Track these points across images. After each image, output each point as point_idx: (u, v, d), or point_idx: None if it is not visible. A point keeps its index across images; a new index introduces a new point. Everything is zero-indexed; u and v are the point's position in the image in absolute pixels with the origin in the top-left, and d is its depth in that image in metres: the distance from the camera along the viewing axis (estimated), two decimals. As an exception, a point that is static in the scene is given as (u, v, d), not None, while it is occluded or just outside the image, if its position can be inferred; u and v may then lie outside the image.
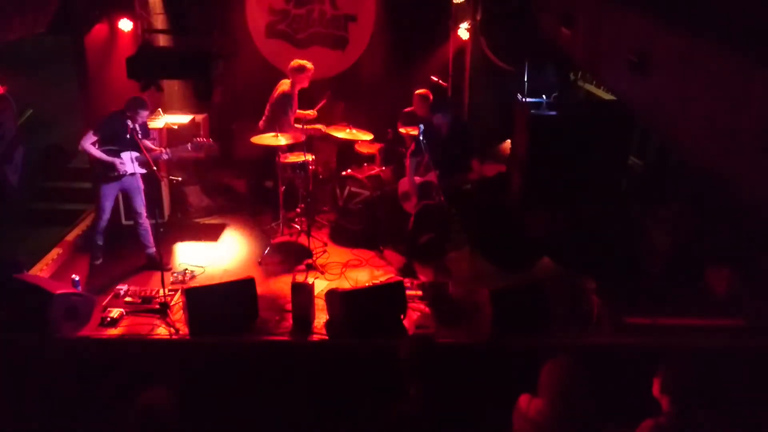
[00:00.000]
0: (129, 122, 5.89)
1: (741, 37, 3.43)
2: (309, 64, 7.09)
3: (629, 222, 6.51)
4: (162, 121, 7.15)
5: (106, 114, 6.04)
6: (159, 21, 8.03)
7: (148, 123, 6.54)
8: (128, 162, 6.00)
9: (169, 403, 3.08)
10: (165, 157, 6.26)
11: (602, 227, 6.38)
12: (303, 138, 6.94)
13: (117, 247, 6.47)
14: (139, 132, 5.97)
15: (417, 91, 7.47)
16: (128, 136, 5.89)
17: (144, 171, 6.11)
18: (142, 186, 6.19)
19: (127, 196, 6.26)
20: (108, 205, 6.11)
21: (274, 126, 6.77)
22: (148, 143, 6.17)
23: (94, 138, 5.89)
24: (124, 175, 6.03)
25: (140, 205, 6.20)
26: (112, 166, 5.94)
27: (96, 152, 5.90)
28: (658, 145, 7.31)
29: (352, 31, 8.72)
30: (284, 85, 7.18)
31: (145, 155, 5.80)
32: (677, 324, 5.31)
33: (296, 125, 7.07)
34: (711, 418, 3.19)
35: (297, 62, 7.09)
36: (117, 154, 5.97)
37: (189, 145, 6.29)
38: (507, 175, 7.45)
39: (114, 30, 7.18)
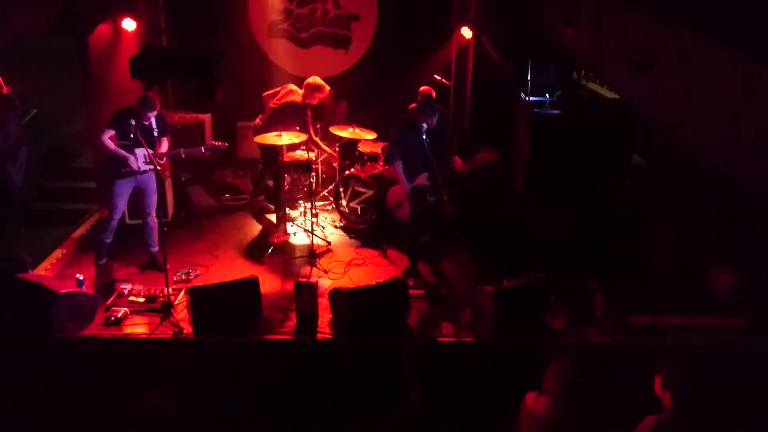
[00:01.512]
0: (142, 120, 5.87)
1: (743, 36, 3.43)
2: (327, 87, 7.00)
3: (632, 221, 6.51)
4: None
5: (119, 108, 6.00)
6: (163, 21, 8.05)
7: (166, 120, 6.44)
8: (141, 158, 5.94)
9: (168, 404, 3.08)
10: (182, 156, 6.20)
11: (605, 226, 6.38)
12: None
13: (121, 247, 6.47)
14: (156, 130, 5.95)
15: (421, 88, 7.45)
16: (135, 133, 5.84)
17: (149, 168, 6.02)
18: (155, 186, 6.11)
19: (141, 195, 6.17)
20: (121, 203, 6.08)
21: (276, 127, 6.75)
22: (165, 142, 6.11)
23: (111, 132, 5.85)
24: (136, 172, 5.97)
25: (151, 205, 6.16)
26: (125, 162, 5.88)
27: (112, 146, 5.85)
28: (661, 144, 7.30)
29: (355, 30, 8.72)
30: (295, 95, 7.05)
31: (150, 156, 5.77)
32: (680, 323, 5.32)
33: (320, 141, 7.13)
34: (712, 415, 3.20)
35: (316, 81, 6.95)
36: (131, 150, 5.91)
37: (202, 148, 6.25)
38: (499, 163, 7.21)
39: (118, 30, 7.17)
